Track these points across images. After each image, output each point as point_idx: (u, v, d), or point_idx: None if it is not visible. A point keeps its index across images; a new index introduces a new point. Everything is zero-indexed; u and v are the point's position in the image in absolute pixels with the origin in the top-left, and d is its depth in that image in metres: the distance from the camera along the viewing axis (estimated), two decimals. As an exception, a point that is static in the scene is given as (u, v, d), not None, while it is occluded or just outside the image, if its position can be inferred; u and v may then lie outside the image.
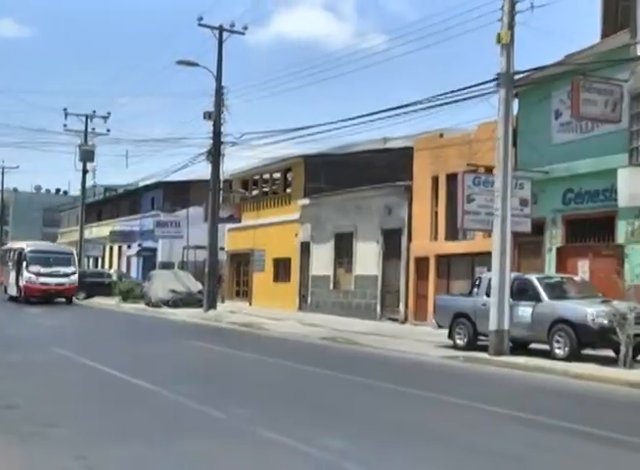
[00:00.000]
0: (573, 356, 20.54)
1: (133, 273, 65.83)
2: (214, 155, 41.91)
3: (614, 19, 26.55)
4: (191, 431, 11.07)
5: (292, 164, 45.35)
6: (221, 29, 42.06)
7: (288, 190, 46.94)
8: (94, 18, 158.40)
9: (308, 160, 43.66)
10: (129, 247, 68.68)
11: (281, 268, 46.75)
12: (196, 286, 46.27)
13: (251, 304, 48.51)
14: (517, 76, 23.73)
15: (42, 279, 48.59)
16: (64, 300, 49.35)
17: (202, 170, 47.28)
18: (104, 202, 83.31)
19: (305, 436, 10.58)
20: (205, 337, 27.95)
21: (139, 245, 65.79)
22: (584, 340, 20.75)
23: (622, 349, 19.51)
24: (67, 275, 49.77)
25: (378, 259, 37.38)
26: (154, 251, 62.26)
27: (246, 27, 42.89)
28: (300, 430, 11.11)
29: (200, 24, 41.13)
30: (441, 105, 25.00)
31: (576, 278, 24.92)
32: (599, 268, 25.75)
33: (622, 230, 25.47)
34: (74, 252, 54.94)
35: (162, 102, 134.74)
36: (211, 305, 41.29)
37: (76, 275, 50.75)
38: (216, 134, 41.88)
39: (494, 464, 9.79)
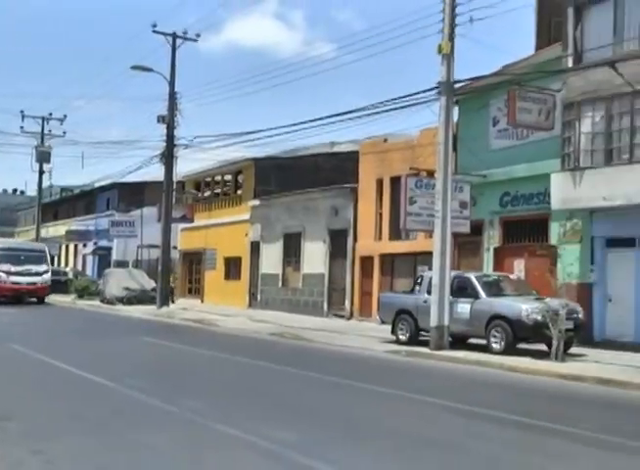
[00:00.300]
0: (509, 350, 20.85)
1: (89, 271, 65.34)
2: (168, 157, 41.82)
3: (547, 33, 26.94)
4: (144, 424, 11.09)
5: (242, 166, 45.30)
6: (174, 36, 42.02)
7: (239, 191, 46.88)
8: (49, 20, 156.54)
9: (258, 162, 43.70)
10: (85, 246, 68.13)
11: (232, 267, 46.66)
12: (149, 284, 46.10)
13: (202, 301, 48.33)
14: (457, 85, 23.96)
15: (13, 278, 44.90)
16: (35, 300, 45.84)
17: (156, 172, 47.14)
18: (60, 202, 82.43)
19: (255, 428, 10.59)
20: (158, 333, 27.80)
21: (94, 244, 65.29)
22: (519, 335, 21.06)
23: (554, 343, 19.84)
24: (39, 274, 45.90)
25: (325, 259, 37.52)
26: (109, 249, 61.84)
27: (198, 35, 43.04)
28: (251, 423, 11.12)
29: (154, 31, 41.03)
30: (386, 111, 25.12)
31: (512, 276, 25.25)
32: (533, 267, 26.14)
33: (555, 231, 25.95)
34: (47, 249, 50.93)
35: (118, 105, 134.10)
36: (164, 303, 41.21)
37: (49, 274, 47.20)
38: (170, 137, 41.81)
39: (436, 452, 9.89)
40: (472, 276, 23.40)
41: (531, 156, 26.28)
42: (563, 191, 23.89)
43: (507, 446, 10.49)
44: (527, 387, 16.73)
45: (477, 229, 28.25)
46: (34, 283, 45.52)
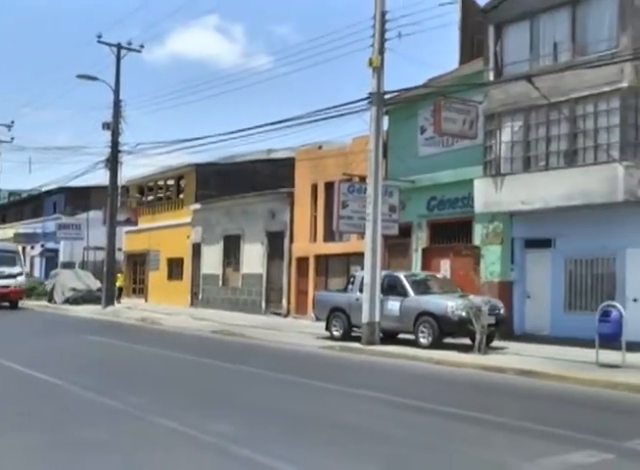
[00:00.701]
0: (436, 345, 21.13)
1: (36, 273, 64.22)
2: (112, 163, 41.41)
3: (470, 49, 27.31)
4: (88, 420, 10.97)
5: (184, 172, 45.13)
6: (119, 47, 41.63)
7: (181, 196, 46.67)
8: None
9: (199, 168, 43.57)
10: (33, 248, 66.98)
11: (174, 267, 46.43)
12: (95, 284, 45.60)
13: (146, 300, 48.01)
14: (387, 96, 24.23)
15: None
16: (7, 304, 40.71)
17: (101, 177, 46.61)
18: (8, 206, 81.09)
19: (196, 423, 10.56)
20: (104, 332, 27.49)
21: (42, 246, 64.25)
22: (445, 330, 21.36)
23: (478, 337, 20.17)
24: (12, 276, 40.58)
25: (262, 259, 37.54)
26: (56, 251, 60.89)
27: (142, 46, 42.63)
28: (192, 418, 11.06)
29: (99, 42, 40.67)
30: (320, 120, 25.21)
31: (439, 275, 25.58)
32: (458, 267, 26.53)
33: (478, 233, 26.33)
34: (19, 249, 47.06)
35: (66, 112, 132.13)
36: (110, 302, 40.86)
37: (23, 276, 42.33)
38: (114, 144, 41.39)
39: (368, 441, 9.98)
40: (401, 275, 23.64)
41: (456, 162, 26.63)
42: (485, 195, 24.25)
43: (434, 433, 10.61)
44: (453, 378, 16.93)
45: (405, 231, 28.54)
46: (7, 286, 40.18)
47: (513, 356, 19.71)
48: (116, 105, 41.55)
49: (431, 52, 34.59)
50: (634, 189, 21.10)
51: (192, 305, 43.17)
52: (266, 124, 27.18)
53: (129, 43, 42.06)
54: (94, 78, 40.66)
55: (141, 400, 12.64)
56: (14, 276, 40.90)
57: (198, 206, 43.16)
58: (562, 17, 22.78)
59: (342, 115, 24.42)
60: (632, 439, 10.17)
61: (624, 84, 21.07)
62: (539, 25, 23.34)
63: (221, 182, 42.18)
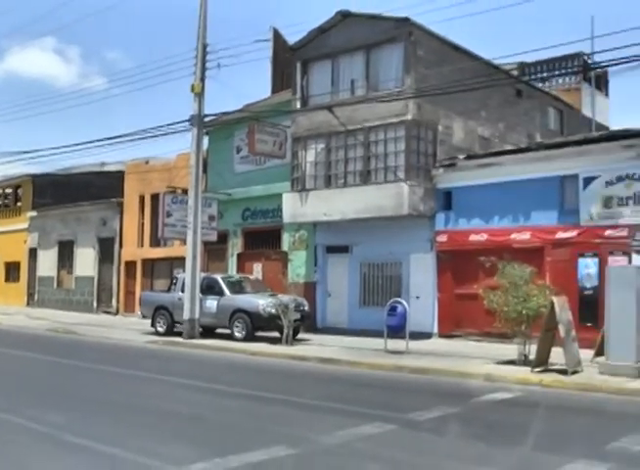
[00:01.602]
0: (249, 338, 21.38)
1: None
2: (-50, 172, 39.52)
3: (281, 80, 27.85)
4: None
5: (21, 181, 43.40)
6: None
7: (18, 204, 44.77)
8: None
9: (36, 178, 42.08)
10: None
11: (11, 270, 44.59)
12: None
13: (-16, 301, 45.96)
14: (207, 119, 24.32)
15: None
16: None
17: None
18: None
19: (32, 414, 10.27)
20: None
21: None
22: (257, 324, 21.65)
23: (285, 330, 20.50)
24: None
25: (94, 263, 36.76)
26: None
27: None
28: (28, 409, 10.76)
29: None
30: (148, 137, 24.93)
31: (252, 277, 25.80)
32: (269, 269, 26.94)
33: (286, 240, 26.85)
34: None
35: None
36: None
37: None
38: (-47, 154, 39.44)
39: (183, 424, 10.09)
40: (218, 277, 23.78)
41: (267, 179, 27.08)
42: (292, 208, 24.73)
43: (242, 415, 10.77)
44: (264, 367, 17.17)
45: (223, 238, 28.73)
46: None
47: (316, 347, 20.17)
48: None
49: (247, 81, 34.97)
50: (417, 204, 22.20)
51: (28, 305, 41.57)
52: (99, 140, 26.64)
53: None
54: None
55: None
56: None
57: (34, 213, 41.64)
58: (358, 58, 23.62)
59: (167, 133, 24.32)
60: (413, 411, 10.73)
61: (409, 117, 22.14)
62: (339, 64, 24.11)
63: (57, 192, 40.92)
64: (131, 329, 25.99)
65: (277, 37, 28.00)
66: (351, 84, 23.73)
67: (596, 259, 19.69)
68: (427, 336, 22.01)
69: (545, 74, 33.39)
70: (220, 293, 22.85)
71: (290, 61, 25.81)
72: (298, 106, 25.01)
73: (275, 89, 28.14)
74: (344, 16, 23.79)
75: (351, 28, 23.60)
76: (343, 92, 23.95)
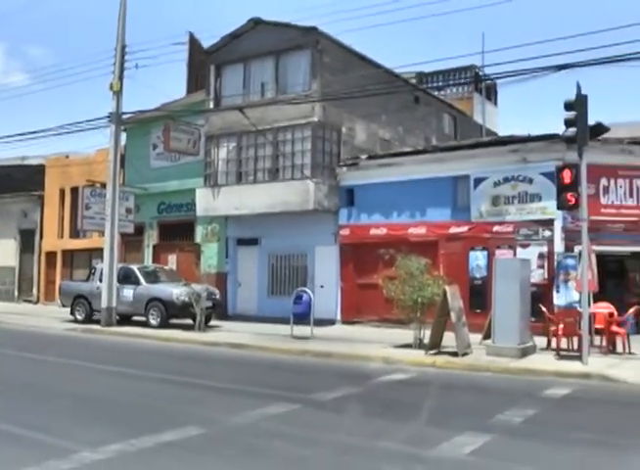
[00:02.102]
0: (164, 325, 21.17)
1: None
2: None
3: (195, 81, 27.52)
4: None
5: (-60, 174, 41.79)
6: None
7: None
8: None
9: (-44, 172, 40.55)
10: None
11: None
12: None
13: None
14: (125, 116, 23.84)
15: None
16: None
17: None
18: None
19: None
20: None
21: None
22: (171, 312, 21.42)
23: (198, 318, 20.40)
24: None
25: (15, 253, 35.64)
26: None
27: None
28: None
29: None
30: (69, 132, 24.29)
31: (166, 268, 25.55)
32: (183, 260, 26.69)
33: (199, 233, 26.63)
34: None
35: None
36: None
37: None
38: None
39: (101, 407, 9.99)
40: (134, 267, 23.42)
41: (182, 174, 26.78)
42: (205, 202, 24.55)
43: (156, 398, 10.71)
44: (177, 352, 17.01)
45: (139, 230, 28.24)
46: None
47: (227, 333, 20.06)
48: None
49: (165, 81, 34.55)
50: (321, 200, 22.35)
51: (-53, 294, 40.07)
52: (19, 134, 25.85)
53: None
54: None
55: None
56: None
57: (-45, 205, 40.09)
58: (268, 63, 23.60)
59: (86, 129, 23.81)
60: (316, 392, 10.87)
61: (315, 119, 22.25)
62: (250, 68, 24.06)
63: (-22, 185, 39.55)
64: (51, 317, 25.29)
65: (192, 41, 27.72)
66: (262, 87, 23.74)
67: (485, 252, 20.24)
68: (330, 323, 22.20)
69: (441, 84, 34.17)
70: (136, 282, 22.51)
71: (204, 63, 25.58)
72: (212, 106, 24.84)
73: (190, 90, 27.82)
74: (256, 23, 23.75)
75: (262, 35, 23.54)
76: (254, 94, 23.94)
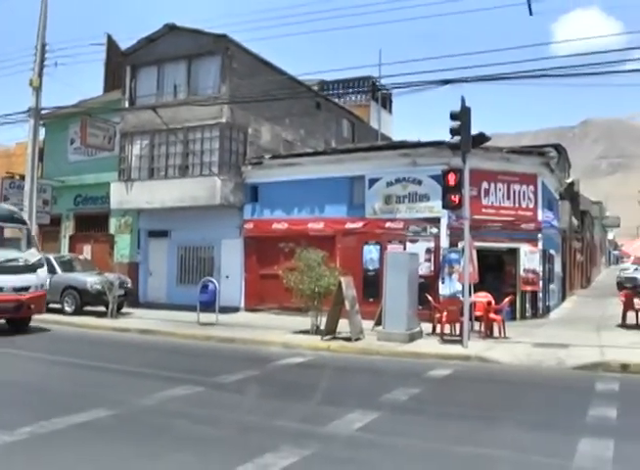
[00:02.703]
0: (78, 312, 20.58)
1: None
2: None
3: (112, 80, 26.82)
4: None
5: None
6: None
7: None
8: None
9: None
10: None
11: None
12: None
13: None
14: (44, 111, 23.29)
15: None
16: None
17: None
18: None
19: None
20: None
21: None
22: (85, 300, 20.81)
23: (110, 305, 19.92)
24: (29, 269, 16.83)
25: None
26: None
27: None
28: None
29: None
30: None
31: (81, 257, 24.74)
32: (97, 250, 25.95)
33: (113, 225, 25.99)
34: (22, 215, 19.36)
35: None
36: None
37: (45, 269, 17.65)
38: None
39: (14, 392, 9.73)
40: (51, 257, 22.47)
41: (97, 168, 26.02)
42: (119, 195, 23.93)
43: (68, 381, 10.48)
44: (90, 338, 16.57)
45: (56, 221, 27.38)
46: (26, 288, 16.61)
47: (137, 320, 19.72)
48: None
49: (83, 80, 33.62)
50: (228, 196, 22.19)
51: None
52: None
53: None
54: None
55: None
56: (31, 269, 16.86)
57: None
58: (181, 66, 23.15)
59: (6, 123, 23.06)
60: (219, 375, 10.80)
61: (223, 120, 22.03)
62: (165, 70, 23.54)
63: None
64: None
65: (110, 42, 27.05)
66: (174, 89, 23.28)
67: (378, 247, 20.51)
68: (235, 310, 22.08)
69: (341, 92, 34.41)
70: (52, 271, 21.57)
71: (121, 64, 24.91)
72: (127, 105, 24.23)
73: (107, 89, 27.10)
74: (171, 28, 23.33)
75: (177, 40, 23.14)
76: (167, 95, 23.45)
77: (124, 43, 25.58)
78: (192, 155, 22.57)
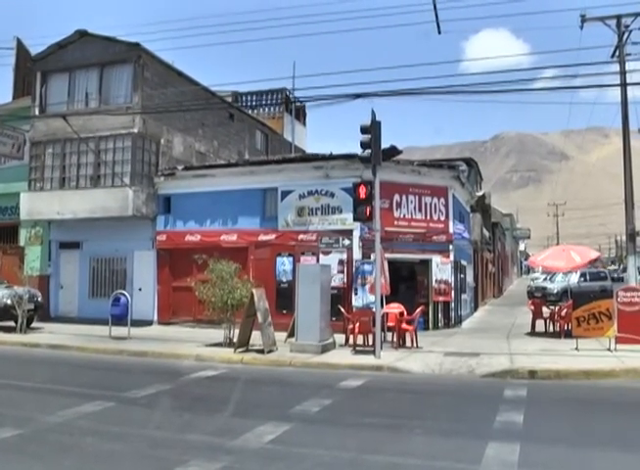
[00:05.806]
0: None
1: None
2: None
3: (22, 87, 26.20)
4: None
5: None
6: None
7: None
8: None
9: None
10: None
11: None
12: None
13: None
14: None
15: None
16: None
17: None
18: None
19: None
20: None
21: None
22: (-11, 314, 20.16)
23: (20, 320, 19.35)
24: None
25: None
26: None
27: None
28: None
29: None
30: None
31: (-13, 269, 24.04)
32: (6, 263, 25.02)
33: (24, 236, 25.23)
34: None
35: None
36: None
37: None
38: None
39: None
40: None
41: (7, 178, 25.22)
42: (29, 206, 23.26)
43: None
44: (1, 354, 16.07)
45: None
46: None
47: (48, 334, 19.25)
48: None
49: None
50: (140, 207, 21.96)
51: None
52: None
53: None
54: None
55: None
56: None
57: None
58: (93, 74, 22.79)
59: None
60: (130, 390, 10.69)
61: (135, 130, 21.82)
62: (76, 78, 23.12)
63: None
64: None
65: (20, 47, 26.38)
66: (86, 97, 22.89)
67: (291, 258, 20.68)
68: (148, 323, 21.83)
69: (255, 103, 34.54)
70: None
71: (31, 70, 24.31)
72: (37, 112, 23.62)
73: (17, 95, 26.40)
74: (82, 35, 22.95)
75: (88, 47, 22.78)
76: (79, 103, 23.03)
77: (36, 48, 25.02)
78: (104, 165, 22.21)
